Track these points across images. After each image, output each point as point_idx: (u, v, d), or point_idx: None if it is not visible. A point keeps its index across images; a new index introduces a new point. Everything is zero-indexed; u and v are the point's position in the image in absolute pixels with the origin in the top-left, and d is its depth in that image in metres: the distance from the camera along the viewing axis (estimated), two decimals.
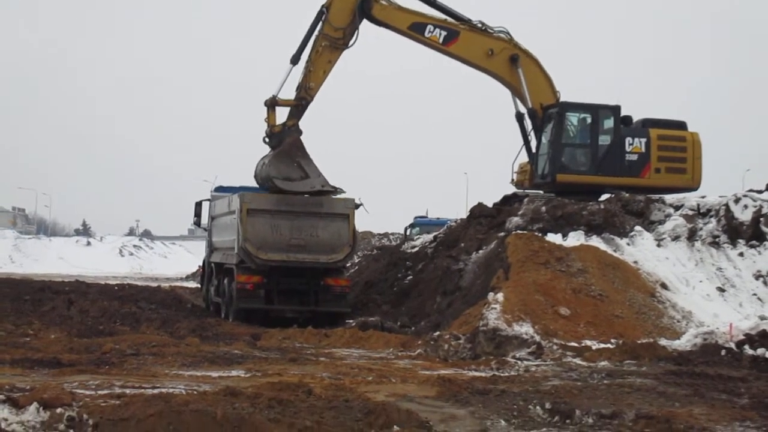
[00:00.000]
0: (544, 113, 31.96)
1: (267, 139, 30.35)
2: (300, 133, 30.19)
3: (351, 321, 26.87)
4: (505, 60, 32.07)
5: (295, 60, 30.31)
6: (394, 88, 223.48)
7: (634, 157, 31.35)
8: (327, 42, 30.31)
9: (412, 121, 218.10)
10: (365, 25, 30.72)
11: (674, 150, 31.59)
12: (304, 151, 29.81)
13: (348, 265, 30.78)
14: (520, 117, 32.48)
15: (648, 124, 32.03)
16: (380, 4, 31.00)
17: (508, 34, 32.33)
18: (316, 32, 30.39)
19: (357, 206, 28.82)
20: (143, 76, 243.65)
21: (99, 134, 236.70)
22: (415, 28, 31.68)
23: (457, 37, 31.90)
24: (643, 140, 31.42)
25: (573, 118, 32.05)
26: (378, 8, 30.92)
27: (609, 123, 31.68)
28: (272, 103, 30.19)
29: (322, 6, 30.30)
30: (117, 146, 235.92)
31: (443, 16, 32.11)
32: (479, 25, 32.24)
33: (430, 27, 31.65)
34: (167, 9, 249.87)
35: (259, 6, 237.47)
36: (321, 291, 28.08)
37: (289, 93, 30.36)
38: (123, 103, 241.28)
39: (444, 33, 31.77)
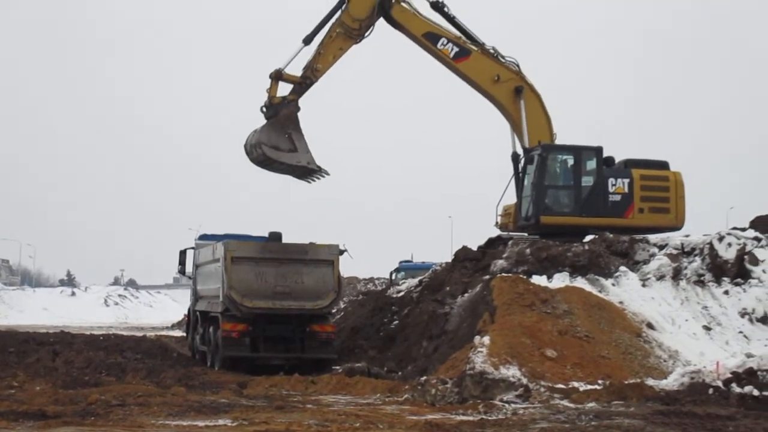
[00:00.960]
0: (527, 155, 32.11)
1: (264, 110, 31.00)
2: (298, 109, 31.04)
3: (337, 367, 26.82)
4: (510, 89, 32.59)
5: (307, 40, 31.31)
6: (379, 130, 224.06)
7: (618, 198, 31.44)
8: (342, 30, 31.36)
9: (396, 165, 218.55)
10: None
11: (657, 190, 31.69)
12: (298, 125, 30.71)
13: (334, 311, 30.84)
14: (515, 157, 32.68)
15: (630, 164, 32.13)
16: (401, 5, 32.02)
17: (518, 65, 32.99)
18: (333, 19, 31.38)
19: (341, 252, 28.78)
20: (125, 122, 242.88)
21: (81, 184, 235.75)
22: (429, 37, 32.46)
23: (468, 56, 32.61)
24: (626, 181, 31.53)
25: (555, 160, 32.15)
26: (398, 9, 31.95)
27: (591, 164, 31.77)
28: (277, 76, 30.98)
29: None
30: (99, 194, 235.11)
31: (459, 34, 32.75)
32: (491, 51, 32.86)
33: (443, 40, 32.44)
34: (155, 56, 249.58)
35: (244, 58, 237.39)
36: (307, 338, 27.95)
37: (296, 70, 31.24)
38: (104, 154, 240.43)
39: (456, 49, 32.51)
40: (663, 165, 32.39)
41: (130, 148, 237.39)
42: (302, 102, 31.41)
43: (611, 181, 31.56)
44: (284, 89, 31.36)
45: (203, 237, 34.39)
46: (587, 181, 31.81)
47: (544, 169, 31.58)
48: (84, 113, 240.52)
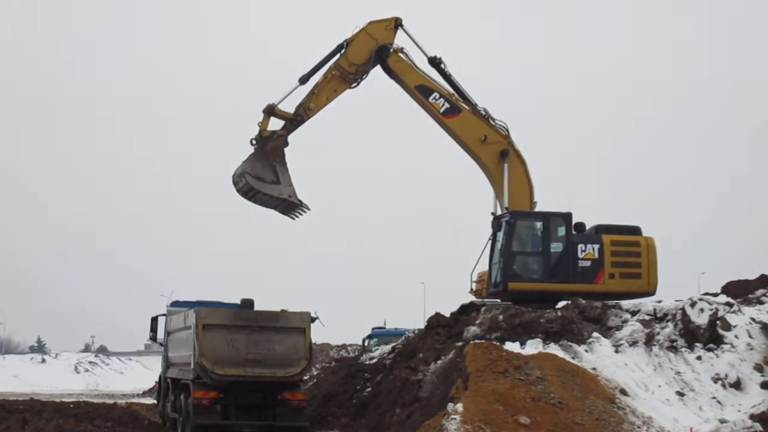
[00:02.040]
0: (496, 221, 32.25)
1: (254, 142, 32.00)
2: (286, 144, 32.23)
3: None
4: (496, 152, 33.06)
5: (303, 80, 32.47)
6: (350, 197, 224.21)
7: (588, 264, 31.51)
8: (338, 72, 32.53)
9: (367, 230, 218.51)
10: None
11: (628, 255, 31.78)
12: (283, 159, 31.94)
13: (306, 378, 30.70)
14: (497, 221, 32.73)
15: (601, 230, 32.22)
16: (398, 56, 33.00)
17: (507, 130, 33.41)
18: (331, 62, 32.41)
19: (313, 320, 28.72)
20: (86, 188, 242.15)
21: (51, 248, 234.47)
22: (421, 90, 33.22)
23: (458, 114, 33.32)
24: (596, 246, 31.62)
25: (524, 226, 32.25)
26: (394, 59, 32.91)
27: (561, 230, 31.90)
28: (270, 110, 32.15)
29: (345, 40, 32.48)
30: (70, 259, 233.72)
31: (452, 92, 33.36)
32: (482, 111, 33.37)
33: (436, 94, 33.17)
34: (118, 103, 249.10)
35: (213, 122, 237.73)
36: (278, 405, 27.71)
37: (289, 107, 32.43)
38: (74, 218, 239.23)
39: (447, 105, 33.24)
40: (635, 230, 32.47)
41: (101, 212, 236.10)
42: (291, 139, 32.54)
43: (581, 246, 31.64)
44: (276, 125, 32.41)
45: (175, 304, 34.23)
46: (556, 247, 31.90)
47: (512, 235, 31.69)
48: (56, 177, 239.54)
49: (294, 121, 32.49)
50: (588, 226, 32.51)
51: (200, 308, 28.43)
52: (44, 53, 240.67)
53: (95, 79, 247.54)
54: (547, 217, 32.07)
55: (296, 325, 28.10)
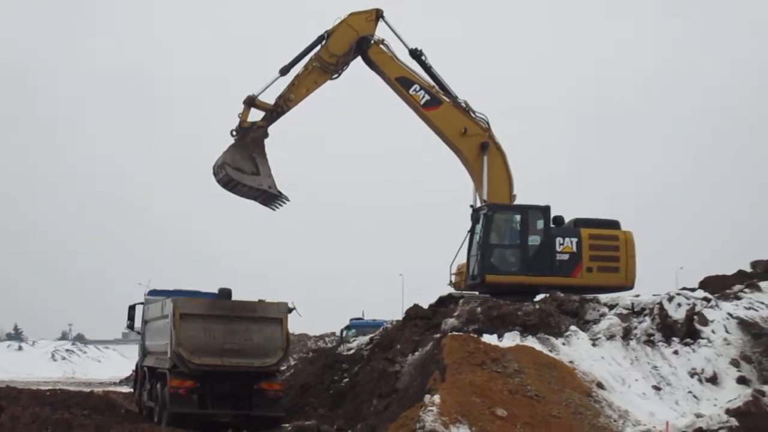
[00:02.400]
0: (475, 214, 32.24)
1: (234, 133, 32.13)
2: (266, 135, 32.42)
3: (287, 425, 26.65)
4: (476, 144, 33.03)
5: (284, 71, 32.48)
6: (326, 193, 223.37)
7: (566, 257, 31.48)
8: (319, 64, 32.53)
9: (346, 224, 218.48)
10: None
11: (606, 249, 31.73)
12: (263, 150, 32.17)
13: (283, 368, 30.71)
14: (475, 213, 32.71)
15: (580, 223, 32.18)
16: (378, 47, 33.03)
17: (488, 123, 33.39)
18: (311, 54, 32.44)
19: (290, 310, 28.58)
20: (72, 172, 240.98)
21: (30, 234, 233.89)
22: (402, 82, 33.24)
23: (438, 106, 33.26)
24: (574, 240, 31.58)
25: (502, 219, 32.23)
26: (375, 50, 32.94)
27: (539, 223, 31.85)
28: (250, 102, 32.22)
29: (325, 31, 32.54)
30: (48, 247, 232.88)
31: (433, 84, 33.35)
32: (463, 104, 33.40)
33: (416, 86, 33.16)
34: (105, 107, 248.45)
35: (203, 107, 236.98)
36: (255, 395, 27.73)
37: (270, 99, 32.42)
38: (52, 201, 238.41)
39: (427, 97, 33.23)
40: (614, 224, 32.44)
41: (79, 201, 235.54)
42: (272, 130, 32.72)
43: (559, 240, 31.59)
44: (257, 116, 32.51)
45: (153, 292, 34.12)
46: (534, 240, 31.87)
47: (490, 228, 31.68)
48: (30, 166, 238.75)
49: (274, 112, 32.58)
50: (567, 220, 32.49)
51: (177, 297, 28.54)
52: None
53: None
54: (526, 210, 32.07)
55: (273, 315, 28.16)
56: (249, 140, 32.34)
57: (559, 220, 32.15)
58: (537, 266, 31.44)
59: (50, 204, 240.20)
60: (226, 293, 29.53)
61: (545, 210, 31.86)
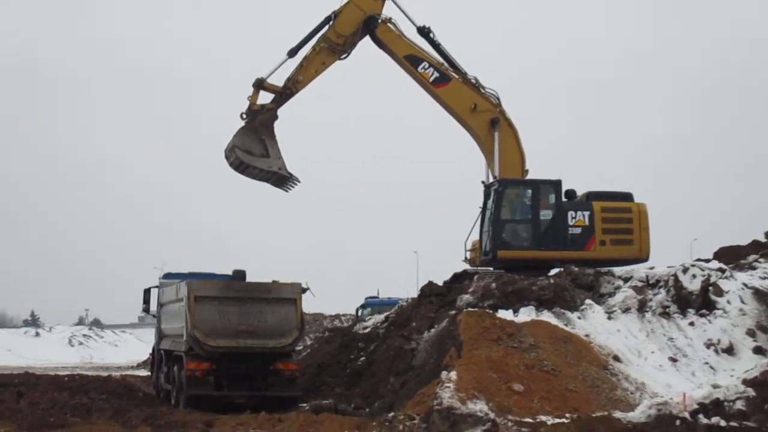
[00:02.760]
0: (487, 190, 32.20)
1: (244, 116, 32.26)
2: (275, 117, 32.46)
3: (304, 404, 26.68)
4: (486, 120, 32.94)
5: (292, 53, 32.49)
6: (338, 173, 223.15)
7: (578, 231, 31.39)
8: (326, 45, 32.54)
9: (359, 202, 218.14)
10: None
11: (619, 222, 31.61)
12: (272, 132, 32.30)
13: (299, 348, 30.78)
14: (487, 189, 32.66)
15: (592, 197, 32.04)
16: (386, 26, 32.96)
17: (498, 98, 33.38)
18: (319, 34, 32.43)
19: (304, 290, 28.81)
20: (88, 162, 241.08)
21: (43, 222, 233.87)
22: (411, 60, 33.19)
23: (448, 83, 33.20)
24: (587, 213, 31.47)
25: (513, 194, 32.18)
26: (383, 29, 32.87)
27: (551, 198, 31.76)
28: (259, 84, 32.30)
29: (333, 12, 32.46)
30: (62, 234, 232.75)
31: (442, 61, 33.25)
32: (473, 80, 33.26)
33: (425, 64, 33.09)
34: (112, 98, 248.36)
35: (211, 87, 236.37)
36: (271, 375, 27.89)
37: (278, 81, 32.45)
38: (65, 191, 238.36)
39: (436, 74, 33.18)
40: (626, 197, 32.28)
41: (92, 186, 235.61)
42: (282, 112, 32.73)
43: (571, 213, 31.51)
44: (266, 99, 32.55)
45: (167, 276, 34.18)
46: (546, 214, 31.78)
47: (501, 203, 31.63)
48: (40, 153, 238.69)
49: (283, 94, 32.60)
50: (579, 193, 32.40)
51: (192, 280, 28.61)
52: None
53: None
54: (537, 185, 32.01)
55: (287, 296, 28.29)
56: (258, 123, 32.39)
57: (571, 193, 32.06)
58: (549, 241, 31.39)
59: (63, 189, 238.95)
60: (240, 275, 29.70)
61: (557, 184, 31.78)
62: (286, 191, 33.59)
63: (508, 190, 32.00)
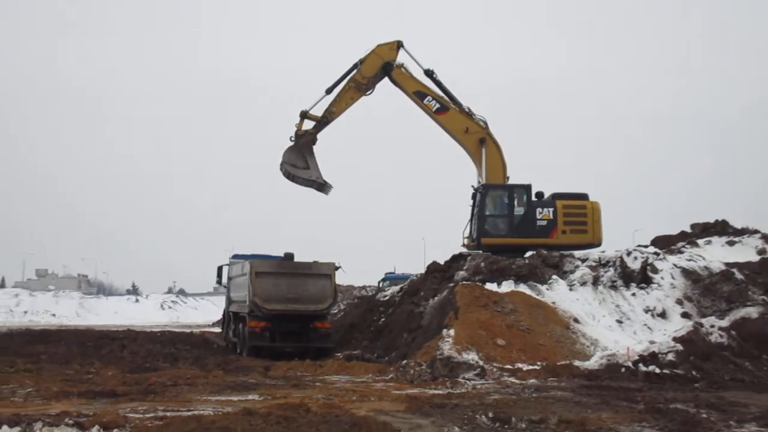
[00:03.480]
0: (474, 193, 32.27)
1: (292, 138, 32.74)
2: (315, 140, 32.95)
3: (339, 354, 26.76)
4: (476, 140, 32.81)
5: (329, 91, 32.94)
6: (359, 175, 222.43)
7: (544, 223, 31.32)
8: (354, 84, 32.91)
9: (385, 197, 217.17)
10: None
11: (577, 216, 31.49)
12: (311, 150, 32.81)
13: (334, 311, 31.06)
14: (475, 192, 32.69)
15: (556, 196, 31.98)
16: (399, 70, 33.17)
17: (486, 123, 33.21)
18: (349, 77, 32.90)
19: (337, 268, 29.07)
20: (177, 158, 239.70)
21: (144, 214, 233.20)
22: (418, 95, 33.23)
23: (447, 112, 33.12)
24: (551, 209, 31.44)
25: (493, 196, 32.19)
26: (397, 72, 33.16)
27: (523, 198, 31.78)
28: (303, 115, 33.00)
29: (359, 60, 32.98)
30: (160, 223, 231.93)
31: (443, 95, 33.30)
32: (466, 109, 33.24)
33: (429, 97, 33.13)
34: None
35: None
36: (311, 332, 28.33)
37: (318, 112, 33.00)
38: (160, 190, 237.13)
39: (438, 105, 33.13)
40: (583, 196, 32.23)
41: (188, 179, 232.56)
42: (320, 136, 33.14)
43: (539, 210, 31.48)
44: (309, 125, 33.05)
45: (235, 256, 34.57)
46: (519, 210, 31.75)
47: (485, 202, 31.72)
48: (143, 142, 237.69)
49: (321, 122, 32.92)
50: (546, 194, 32.38)
51: (254, 260, 29.09)
52: None
53: None
54: (512, 188, 32.02)
55: (324, 272, 28.67)
56: (301, 143, 32.75)
57: (540, 194, 32.05)
58: (521, 230, 31.35)
59: (164, 186, 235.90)
60: (290, 256, 29.79)
61: (527, 188, 31.78)
62: (327, 194, 33.73)
63: (490, 192, 32.02)
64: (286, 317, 27.99)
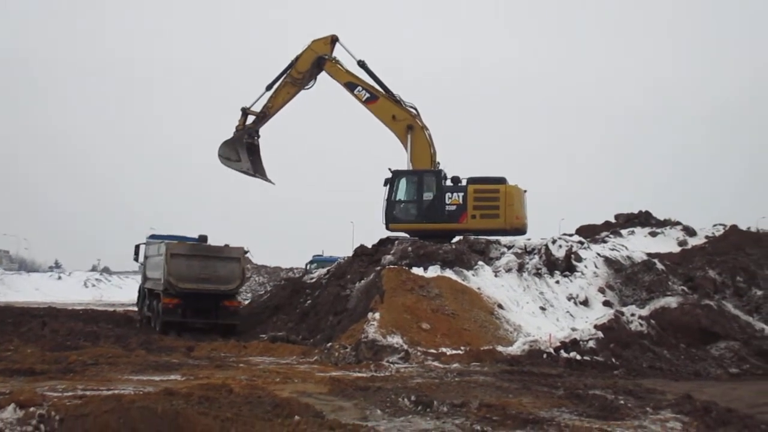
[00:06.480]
0: (385, 179, 32.07)
1: (234, 132, 35.11)
2: (256, 135, 35.35)
3: (263, 335, 26.82)
4: (404, 126, 33.20)
5: (269, 87, 34.77)
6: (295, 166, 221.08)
7: (453, 208, 31.25)
8: (290, 80, 34.56)
9: (312, 187, 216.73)
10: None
11: (488, 200, 31.06)
12: (243, 144, 34.99)
13: (240, 291, 32.23)
14: (386, 179, 32.68)
15: (470, 181, 31.67)
16: (331, 62, 34.35)
17: (416, 110, 33.63)
18: (286, 75, 34.49)
19: (246, 252, 31.51)
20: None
21: (66, 188, 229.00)
22: (349, 86, 34.17)
23: (376, 101, 33.74)
24: (461, 194, 31.25)
25: (403, 181, 32.17)
26: (329, 65, 34.40)
27: (432, 184, 31.79)
28: (244, 111, 35.13)
29: (296, 56, 34.47)
30: (84, 198, 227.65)
31: (374, 84, 33.93)
32: (396, 97, 33.70)
33: (359, 87, 33.95)
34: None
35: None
36: (220, 309, 29.88)
37: (258, 107, 35.02)
38: (88, 161, 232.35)
39: (368, 95, 33.92)
40: (500, 180, 31.58)
41: (114, 160, 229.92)
42: (263, 130, 35.43)
43: (449, 195, 31.44)
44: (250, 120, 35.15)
45: (152, 236, 35.03)
46: (428, 196, 31.69)
47: (393, 188, 31.78)
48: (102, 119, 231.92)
49: (260, 117, 34.91)
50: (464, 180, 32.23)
51: (169, 242, 30.63)
52: None
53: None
54: (421, 174, 31.98)
55: (234, 255, 30.50)
56: (236, 136, 34.98)
57: (456, 179, 31.95)
58: (429, 215, 31.38)
59: (85, 160, 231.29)
60: (203, 239, 31.93)
61: (438, 173, 31.76)
62: (273, 183, 36.19)
63: (399, 178, 32.03)
64: (198, 295, 29.31)
